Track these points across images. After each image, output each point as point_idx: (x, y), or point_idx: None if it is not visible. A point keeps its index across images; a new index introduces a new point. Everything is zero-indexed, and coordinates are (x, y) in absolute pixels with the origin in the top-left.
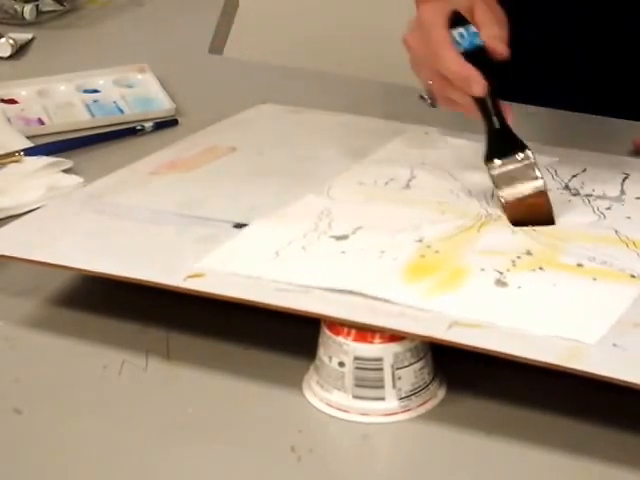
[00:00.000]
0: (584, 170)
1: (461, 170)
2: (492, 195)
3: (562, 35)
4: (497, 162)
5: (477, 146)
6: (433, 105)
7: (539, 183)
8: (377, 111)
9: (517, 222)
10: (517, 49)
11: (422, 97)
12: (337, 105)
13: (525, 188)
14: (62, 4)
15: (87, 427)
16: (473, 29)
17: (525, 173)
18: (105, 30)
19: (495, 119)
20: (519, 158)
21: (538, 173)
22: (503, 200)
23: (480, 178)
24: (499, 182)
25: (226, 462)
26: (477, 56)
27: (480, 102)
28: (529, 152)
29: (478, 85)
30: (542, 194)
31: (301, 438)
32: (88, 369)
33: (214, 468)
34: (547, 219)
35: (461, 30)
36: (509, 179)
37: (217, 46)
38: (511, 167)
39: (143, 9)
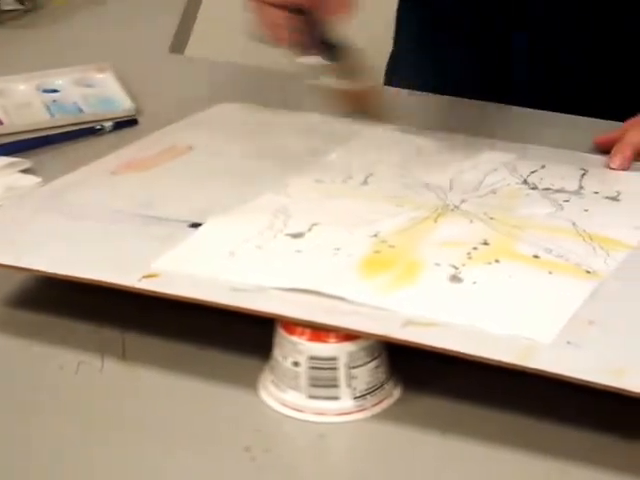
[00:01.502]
0: (543, 166)
1: (419, 166)
2: (450, 187)
3: (562, 35)
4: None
5: (436, 143)
6: (263, 41)
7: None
8: (337, 110)
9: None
10: (517, 49)
11: (250, 36)
12: (296, 104)
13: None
14: (22, 3)
15: (43, 427)
16: None
17: (352, 68)
18: (66, 29)
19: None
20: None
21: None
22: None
23: (437, 173)
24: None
25: (181, 462)
26: None
27: (297, 13)
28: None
29: None
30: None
31: (256, 438)
32: (44, 370)
33: (168, 468)
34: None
35: None
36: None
37: (178, 45)
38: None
39: (104, 8)
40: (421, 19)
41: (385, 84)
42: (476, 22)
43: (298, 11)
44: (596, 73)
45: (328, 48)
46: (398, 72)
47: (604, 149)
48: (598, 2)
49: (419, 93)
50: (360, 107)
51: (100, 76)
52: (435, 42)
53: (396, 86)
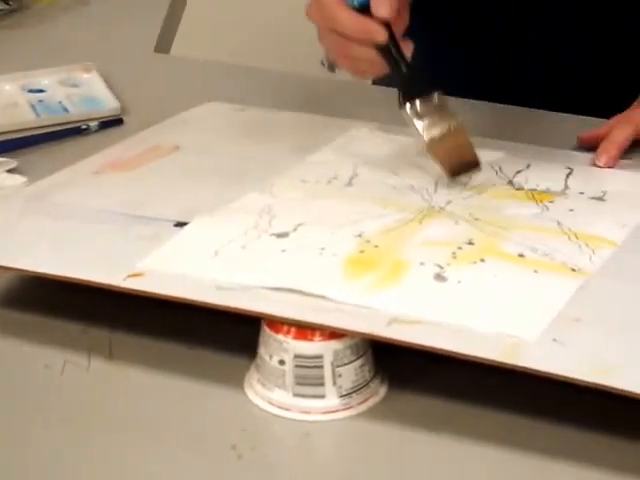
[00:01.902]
0: (528, 166)
1: (404, 167)
2: (435, 189)
3: (562, 35)
4: (410, 105)
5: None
6: (332, 69)
7: (456, 120)
8: (323, 109)
9: (444, 162)
10: (517, 49)
11: (322, 63)
12: (282, 103)
13: (443, 127)
14: (8, 3)
15: (29, 427)
16: None
17: (441, 112)
18: (51, 29)
19: (402, 64)
20: (432, 99)
21: (452, 111)
22: (426, 141)
23: (423, 174)
24: (416, 124)
25: (167, 460)
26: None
27: (384, 51)
28: (439, 92)
29: (378, 33)
30: (459, 131)
31: (243, 436)
32: (30, 369)
33: (155, 467)
34: (471, 156)
35: None
36: (426, 120)
37: (163, 45)
38: (426, 108)
39: (89, 8)
40: (419, 18)
41: (373, 83)
42: (476, 22)
43: (383, 48)
44: (596, 73)
45: (411, 83)
46: None
47: (588, 145)
48: (598, 2)
49: None
50: (457, 155)
51: (86, 76)
52: (434, 42)
53: (391, 85)
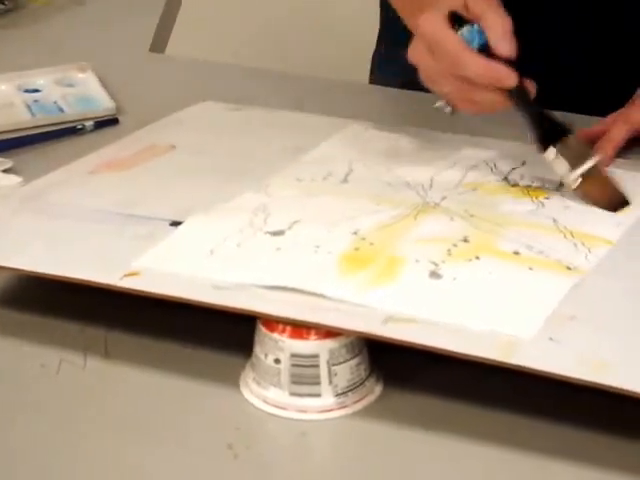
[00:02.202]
0: (523, 163)
1: (399, 164)
2: (430, 185)
3: (562, 35)
4: (553, 149)
5: (415, 140)
6: (453, 113)
7: (594, 158)
8: (317, 107)
9: (597, 202)
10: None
11: (438, 107)
12: (277, 102)
13: (586, 165)
14: (3, 3)
15: (24, 426)
16: (476, 26)
17: (581, 151)
18: (47, 29)
19: (535, 106)
20: (570, 139)
21: (588, 148)
22: (575, 184)
23: (418, 170)
24: (561, 168)
25: (163, 459)
26: (488, 49)
27: (515, 94)
28: (574, 130)
29: (509, 78)
30: (600, 168)
31: (238, 435)
32: (26, 368)
33: (151, 465)
34: (617, 191)
35: (465, 29)
36: (570, 161)
37: (159, 45)
38: (568, 149)
39: (85, 8)
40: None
41: (370, 82)
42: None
43: (512, 91)
44: (596, 73)
45: (539, 120)
46: (384, 69)
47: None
48: (598, 2)
49: (401, 91)
50: (607, 190)
51: (81, 76)
52: None
53: (382, 83)
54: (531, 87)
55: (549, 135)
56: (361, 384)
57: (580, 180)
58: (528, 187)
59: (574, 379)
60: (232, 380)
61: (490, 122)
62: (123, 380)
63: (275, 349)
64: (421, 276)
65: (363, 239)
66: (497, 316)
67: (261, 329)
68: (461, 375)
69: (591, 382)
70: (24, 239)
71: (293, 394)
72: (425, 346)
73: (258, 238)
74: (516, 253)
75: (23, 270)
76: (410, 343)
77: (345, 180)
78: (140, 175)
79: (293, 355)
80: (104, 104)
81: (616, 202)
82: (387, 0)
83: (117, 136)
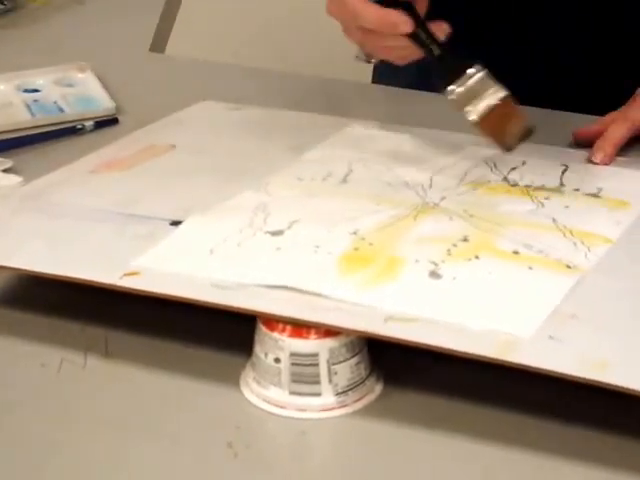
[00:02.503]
0: (524, 163)
1: (400, 164)
2: (430, 185)
3: (562, 35)
4: (451, 87)
5: (415, 140)
6: (369, 61)
7: (501, 91)
8: (317, 107)
9: (497, 135)
10: (517, 49)
11: (357, 57)
12: (277, 102)
13: (490, 100)
14: (3, 3)
15: (25, 425)
16: None
17: (483, 86)
18: (46, 29)
19: (433, 47)
20: (471, 74)
21: (494, 82)
22: (474, 119)
23: (418, 170)
24: (461, 105)
25: (164, 458)
26: None
27: (413, 37)
28: (477, 66)
29: (404, 24)
30: (508, 99)
31: (238, 434)
32: (26, 367)
33: (152, 464)
34: (521, 123)
35: None
36: (470, 98)
37: (159, 44)
38: (467, 85)
39: (84, 8)
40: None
41: (372, 82)
42: (476, 22)
43: (411, 36)
44: (596, 73)
45: (446, 65)
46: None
47: (583, 141)
48: (598, 2)
49: (403, 90)
50: (508, 126)
51: (80, 76)
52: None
53: (385, 83)
54: (439, 29)
55: (450, 74)
56: (361, 383)
57: (478, 116)
58: (528, 187)
59: (574, 377)
60: (232, 379)
61: None
62: (123, 379)
63: (275, 348)
64: (421, 276)
65: (363, 239)
66: (497, 315)
67: (261, 328)
68: (461, 374)
69: (591, 380)
70: (24, 239)
71: (293, 393)
72: (425, 345)
73: (258, 238)
74: (516, 252)
75: (23, 270)
76: (410, 342)
77: (345, 180)
78: (140, 175)
79: (293, 354)
80: (104, 104)
81: (513, 138)
82: None
83: (117, 136)
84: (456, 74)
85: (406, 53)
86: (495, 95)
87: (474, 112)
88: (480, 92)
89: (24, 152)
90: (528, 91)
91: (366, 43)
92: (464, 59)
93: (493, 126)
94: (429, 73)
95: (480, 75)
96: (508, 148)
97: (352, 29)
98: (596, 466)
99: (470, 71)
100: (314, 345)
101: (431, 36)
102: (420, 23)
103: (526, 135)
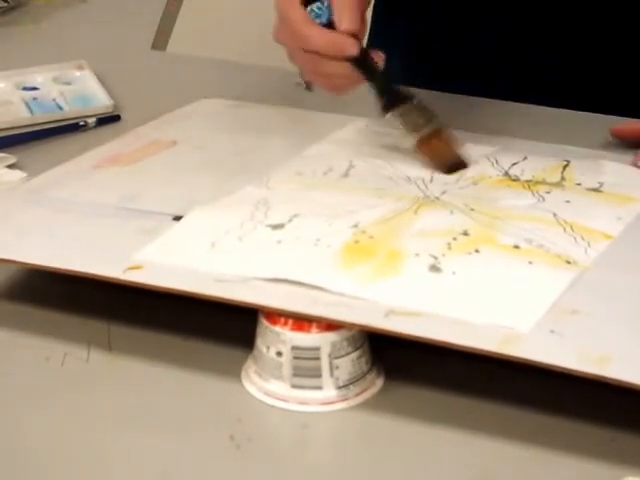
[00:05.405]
0: (525, 158)
1: (401, 159)
2: (431, 179)
3: (562, 35)
4: (391, 114)
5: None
6: (309, 88)
7: (437, 122)
8: (320, 105)
9: (434, 160)
10: (517, 49)
11: (297, 83)
12: (279, 99)
13: (428, 128)
14: (5, 1)
15: (29, 418)
16: (326, 2)
17: (422, 115)
18: (49, 27)
19: (378, 74)
20: (410, 102)
21: (433, 112)
22: (413, 144)
23: (419, 165)
24: (401, 128)
25: (166, 451)
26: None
27: (358, 63)
28: (416, 97)
29: (351, 46)
30: (443, 131)
31: (240, 427)
32: (30, 361)
33: (154, 457)
34: (457, 154)
35: (315, 5)
36: (409, 125)
37: (160, 42)
38: (406, 113)
39: (87, 5)
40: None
41: None
42: (475, 22)
43: (356, 60)
44: (596, 73)
45: (389, 91)
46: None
47: (623, 138)
48: (598, 2)
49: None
50: (445, 153)
51: (78, 73)
52: (433, 42)
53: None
54: (378, 58)
55: (390, 102)
56: (362, 377)
57: (417, 142)
58: (529, 182)
59: (576, 371)
60: (234, 372)
61: (490, 117)
62: (126, 372)
63: (277, 342)
64: (421, 270)
65: (363, 232)
66: (497, 309)
67: (263, 322)
68: (462, 368)
69: (593, 375)
70: (28, 233)
71: (294, 386)
72: (426, 339)
73: (259, 231)
74: (516, 247)
75: (27, 263)
76: (411, 336)
77: (346, 174)
78: (143, 170)
79: (294, 348)
80: (102, 102)
81: (450, 165)
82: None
83: (119, 133)
84: (396, 101)
85: (344, 83)
86: (433, 124)
87: (413, 138)
88: (418, 120)
89: (28, 148)
90: (528, 91)
91: (308, 67)
92: (401, 89)
93: (431, 151)
94: (429, 71)
95: (418, 104)
96: (446, 172)
97: (297, 52)
98: (593, 460)
99: (409, 99)
100: (316, 339)
101: (373, 64)
102: (364, 50)
103: (462, 165)
